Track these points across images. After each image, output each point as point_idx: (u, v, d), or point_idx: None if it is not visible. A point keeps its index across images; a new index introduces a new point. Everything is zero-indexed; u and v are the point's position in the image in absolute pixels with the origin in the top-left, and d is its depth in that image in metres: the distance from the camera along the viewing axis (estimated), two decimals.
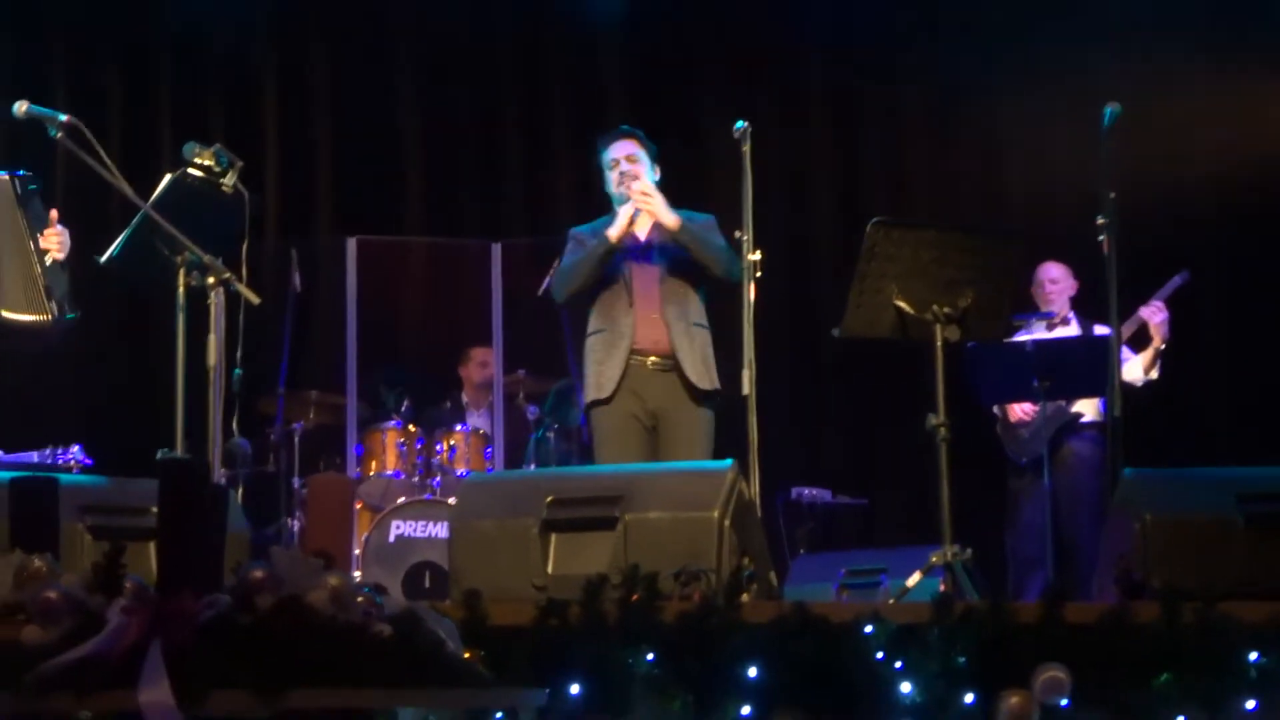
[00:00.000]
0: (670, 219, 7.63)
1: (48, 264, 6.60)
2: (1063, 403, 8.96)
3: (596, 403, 7.70)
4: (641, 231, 7.78)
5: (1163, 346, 9.04)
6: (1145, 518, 5.53)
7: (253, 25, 11.13)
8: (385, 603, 3.40)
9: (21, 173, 6.73)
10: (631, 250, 7.72)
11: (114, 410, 10.16)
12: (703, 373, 7.66)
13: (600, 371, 7.68)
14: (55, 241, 6.62)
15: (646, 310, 7.68)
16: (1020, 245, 7.18)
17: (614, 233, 7.64)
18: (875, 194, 11.17)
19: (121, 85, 10.91)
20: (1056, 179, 10.45)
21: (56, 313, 6.57)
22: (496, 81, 11.38)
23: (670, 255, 7.71)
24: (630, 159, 7.78)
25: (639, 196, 7.61)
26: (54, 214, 6.69)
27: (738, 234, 7.25)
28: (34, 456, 8.59)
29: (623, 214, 7.66)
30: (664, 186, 7.77)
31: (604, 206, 7.93)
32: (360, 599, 3.32)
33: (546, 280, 8.43)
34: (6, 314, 6.52)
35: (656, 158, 7.87)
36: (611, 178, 7.82)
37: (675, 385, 7.65)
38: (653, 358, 7.65)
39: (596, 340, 7.73)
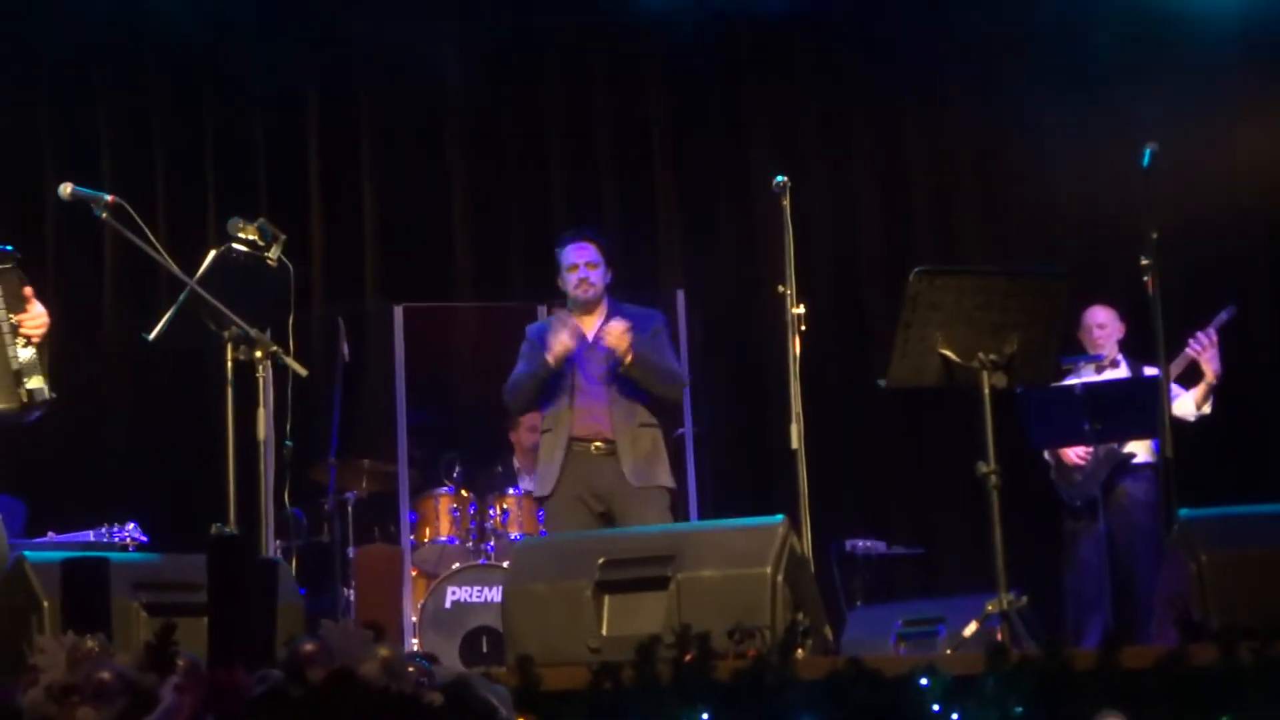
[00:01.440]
0: (623, 354, 7.92)
1: (21, 348, 6.19)
2: (1114, 444, 8.92)
3: (543, 498, 8.10)
4: (589, 333, 8.12)
5: (1215, 382, 9.00)
6: (1201, 558, 5.50)
7: (297, 97, 11.21)
8: (437, 671, 3.40)
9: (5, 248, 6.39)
10: (578, 356, 8.05)
11: (168, 486, 10.21)
12: (639, 469, 7.96)
13: (544, 470, 8.08)
14: (34, 326, 6.22)
15: (587, 403, 8.03)
16: (1064, 286, 7.14)
17: (552, 359, 7.99)
18: (923, 241, 11.16)
19: (165, 161, 10.99)
20: (1102, 220, 10.43)
21: (26, 400, 6.16)
22: (541, 143, 11.43)
23: (618, 372, 8.02)
24: (590, 265, 8.17)
25: (615, 338, 7.92)
26: (28, 291, 6.25)
27: (780, 288, 7.28)
28: (90, 535, 8.66)
29: (558, 345, 7.97)
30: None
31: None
32: (412, 669, 3.32)
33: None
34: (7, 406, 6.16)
35: (612, 261, 8.25)
36: (570, 279, 8.20)
37: (619, 471, 7.95)
38: (595, 443, 8.01)
39: (544, 439, 8.17)
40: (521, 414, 8.24)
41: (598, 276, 8.15)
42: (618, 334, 7.91)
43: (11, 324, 6.18)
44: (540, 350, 8.06)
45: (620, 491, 7.91)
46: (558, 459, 7.97)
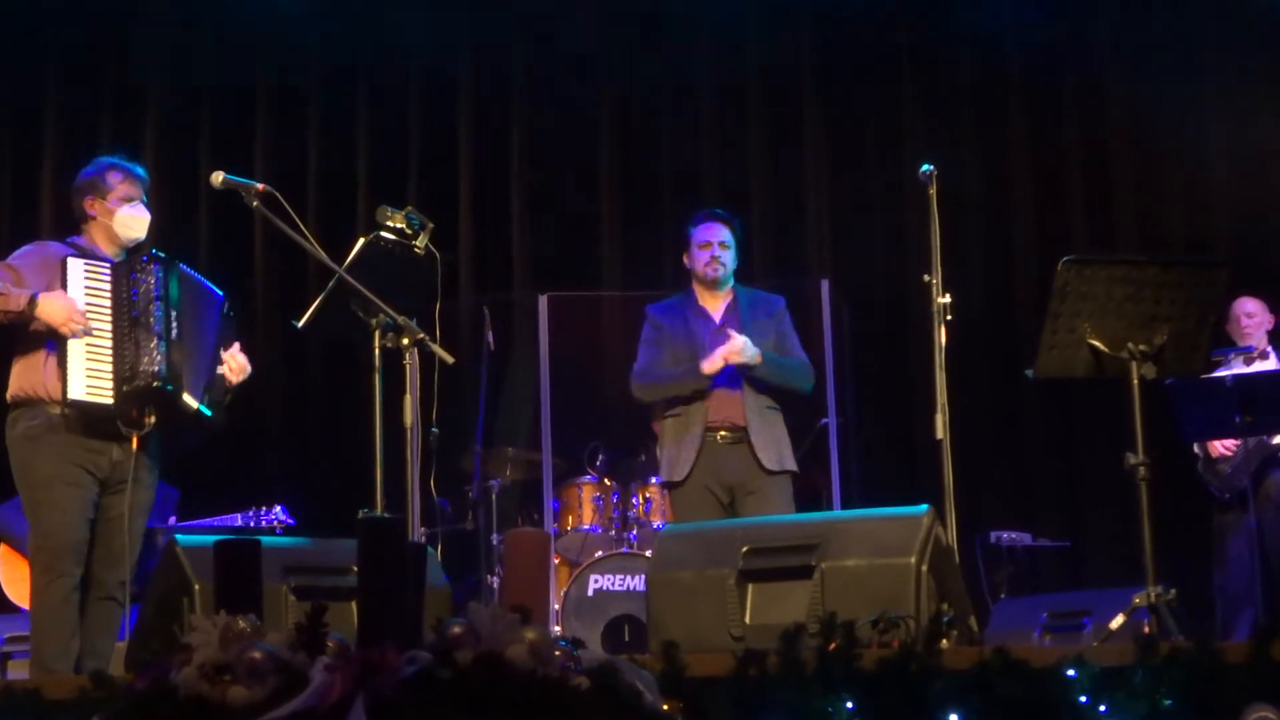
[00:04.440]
0: (754, 361, 7.91)
1: (218, 373, 6.90)
2: (1264, 436, 8.79)
3: (672, 484, 8.03)
4: (716, 315, 8.14)
5: None
6: None
7: (449, 88, 11.29)
8: (583, 655, 3.41)
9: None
10: (708, 342, 8.01)
11: (315, 471, 10.32)
12: (772, 453, 7.93)
13: (675, 455, 8.00)
14: (234, 364, 6.94)
15: (719, 390, 7.96)
16: (1220, 276, 7.03)
17: (709, 369, 7.91)
18: (1075, 231, 11.04)
19: (317, 150, 11.11)
20: (1254, 209, 10.29)
21: (203, 409, 6.80)
22: (688, 131, 11.44)
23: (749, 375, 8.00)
24: (723, 245, 8.13)
25: (733, 355, 7.88)
26: (237, 345, 7.01)
27: (926, 277, 7.23)
28: (239, 519, 8.78)
29: (717, 359, 7.89)
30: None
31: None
32: (558, 652, 3.34)
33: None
34: (185, 398, 6.73)
35: (742, 245, 8.24)
36: (700, 258, 8.14)
37: (747, 457, 7.92)
38: (723, 432, 7.96)
39: (671, 423, 8.07)
40: (649, 404, 8.19)
41: (729, 258, 8.12)
42: (737, 352, 7.87)
43: (219, 355, 6.90)
44: (666, 332, 8.09)
45: (747, 480, 7.89)
46: (692, 446, 7.93)
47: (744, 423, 7.91)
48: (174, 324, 6.69)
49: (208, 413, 6.80)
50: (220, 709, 3.20)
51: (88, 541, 6.57)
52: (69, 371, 6.52)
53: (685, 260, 8.24)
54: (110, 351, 6.61)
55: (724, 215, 8.26)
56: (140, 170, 6.97)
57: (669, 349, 8.09)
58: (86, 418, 6.57)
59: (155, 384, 6.60)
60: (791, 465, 8.02)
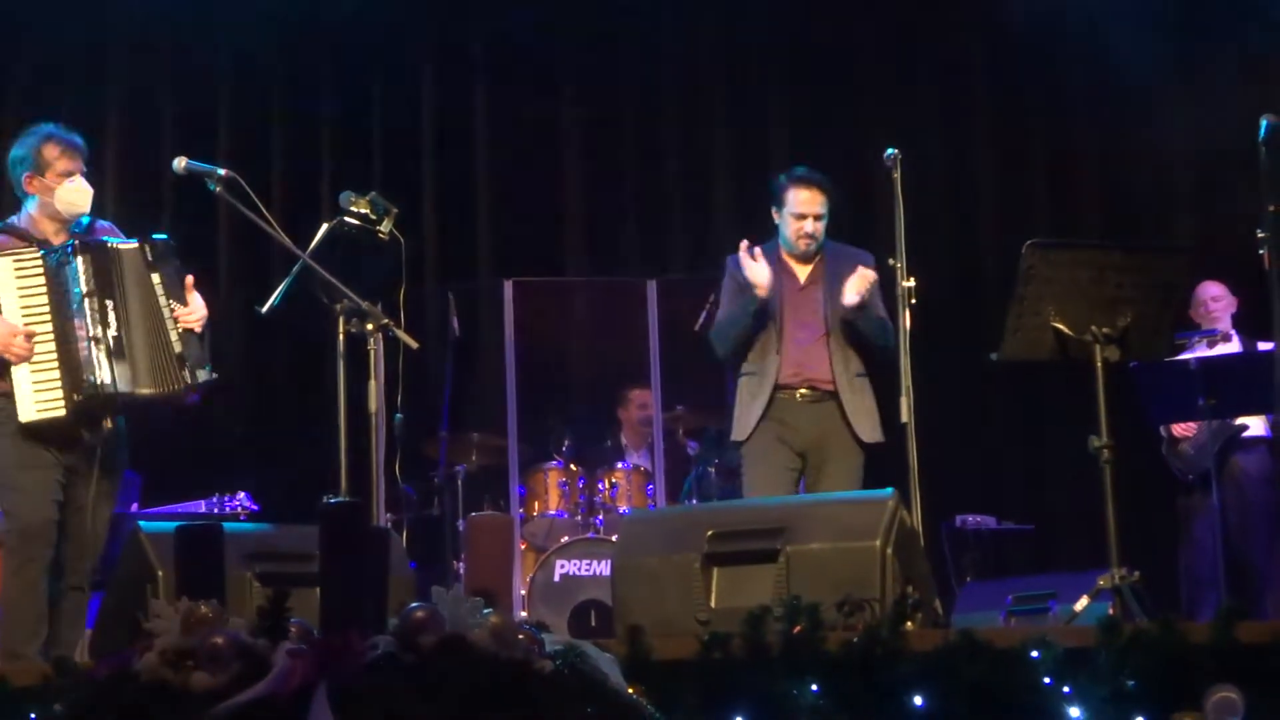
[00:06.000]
0: (861, 300, 7.56)
1: (181, 332, 6.63)
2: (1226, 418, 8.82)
3: (738, 443, 7.73)
4: (801, 276, 7.79)
5: None
6: None
7: (412, 71, 11.25)
8: (547, 639, 3.41)
9: (156, 236, 6.80)
10: (786, 299, 7.70)
11: (279, 457, 10.28)
12: (865, 423, 7.62)
13: (743, 414, 7.68)
14: (190, 320, 6.66)
15: (796, 349, 7.66)
16: (1184, 260, 7.07)
17: (763, 291, 7.58)
18: (1039, 215, 11.05)
19: (280, 135, 11.06)
20: (1216, 194, 10.30)
21: (189, 380, 6.60)
22: (653, 116, 11.42)
23: (836, 313, 7.67)
24: (818, 218, 7.73)
25: (866, 285, 7.53)
26: (189, 280, 6.71)
27: (891, 261, 7.24)
28: (202, 505, 8.74)
29: (763, 275, 7.57)
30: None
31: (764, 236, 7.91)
32: (522, 636, 3.33)
33: (703, 315, 8.48)
34: (142, 392, 6.53)
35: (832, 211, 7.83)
36: (794, 227, 7.74)
37: (832, 417, 7.62)
38: (801, 390, 7.63)
39: (746, 381, 7.73)
40: (735, 356, 7.76)
41: (821, 230, 7.74)
42: (870, 282, 7.55)
43: (171, 310, 6.60)
44: (745, 283, 7.63)
45: (823, 439, 7.60)
46: (759, 404, 7.59)
47: (831, 386, 7.61)
48: (111, 314, 6.50)
49: (204, 375, 6.61)
50: (183, 695, 3.19)
51: (57, 524, 6.46)
52: (17, 394, 6.35)
53: (774, 214, 7.84)
54: (56, 359, 6.41)
55: (823, 181, 7.81)
56: (78, 139, 6.72)
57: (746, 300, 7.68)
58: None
59: (106, 393, 6.43)
60: (878, 435, 7.64)
